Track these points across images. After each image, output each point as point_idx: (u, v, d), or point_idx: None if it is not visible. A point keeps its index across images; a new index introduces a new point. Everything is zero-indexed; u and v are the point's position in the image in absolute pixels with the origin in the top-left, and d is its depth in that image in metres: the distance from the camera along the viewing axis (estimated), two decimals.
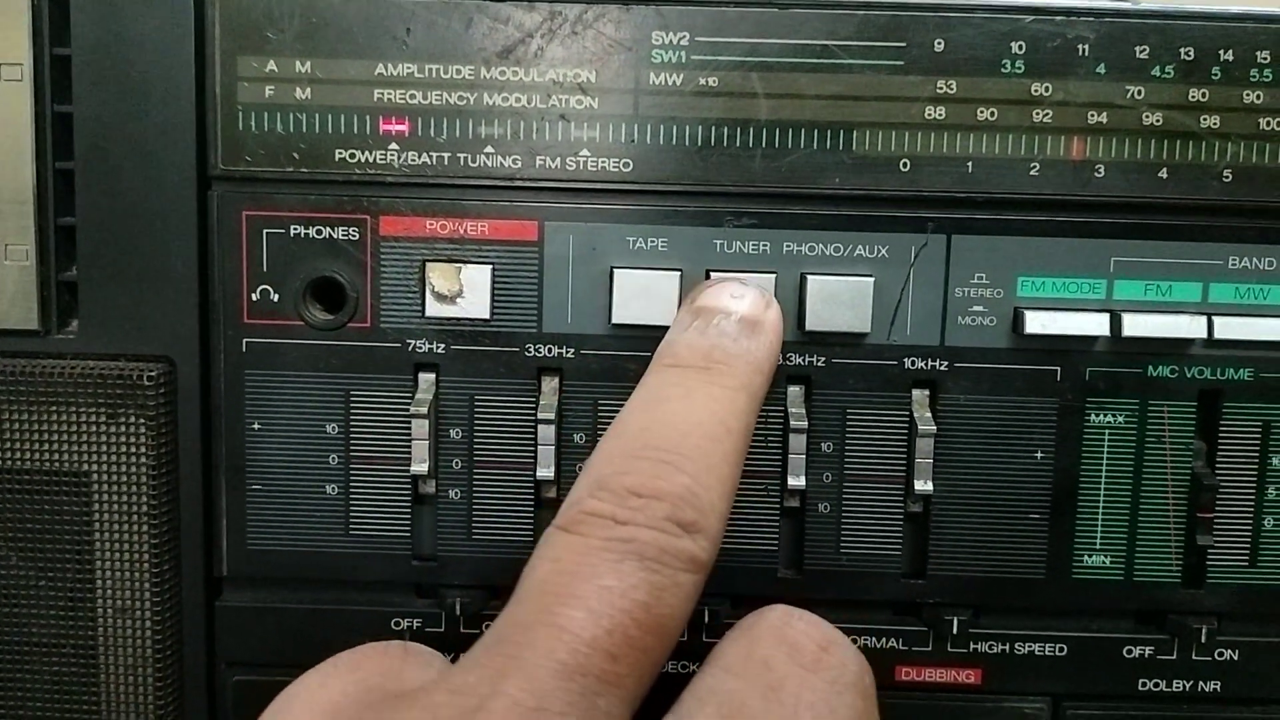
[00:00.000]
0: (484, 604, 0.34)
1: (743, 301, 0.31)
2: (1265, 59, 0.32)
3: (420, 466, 0.33)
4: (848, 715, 0.26)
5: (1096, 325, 0.33)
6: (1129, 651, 0.35)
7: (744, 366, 0.30)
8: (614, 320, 0.33)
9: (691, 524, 0.26)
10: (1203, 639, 0.34)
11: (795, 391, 0.34)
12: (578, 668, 0.24)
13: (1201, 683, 0.35)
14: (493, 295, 0.33)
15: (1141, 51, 0.32)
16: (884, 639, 0.35)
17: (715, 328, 0.31)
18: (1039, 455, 0.34)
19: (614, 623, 0.24)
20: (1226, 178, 0.33)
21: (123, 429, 0.33)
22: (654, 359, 0.31)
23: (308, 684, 0.28)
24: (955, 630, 0.34)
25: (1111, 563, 0.34)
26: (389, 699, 0.26)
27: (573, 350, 0.34)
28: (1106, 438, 0.34)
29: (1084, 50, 0.32)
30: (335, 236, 0.33)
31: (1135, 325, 0.33)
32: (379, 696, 0.27)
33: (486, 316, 0.33)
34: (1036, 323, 0.33)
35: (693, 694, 0.26)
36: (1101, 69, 0.32)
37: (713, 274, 0.33)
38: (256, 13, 0.32)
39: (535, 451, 0.33)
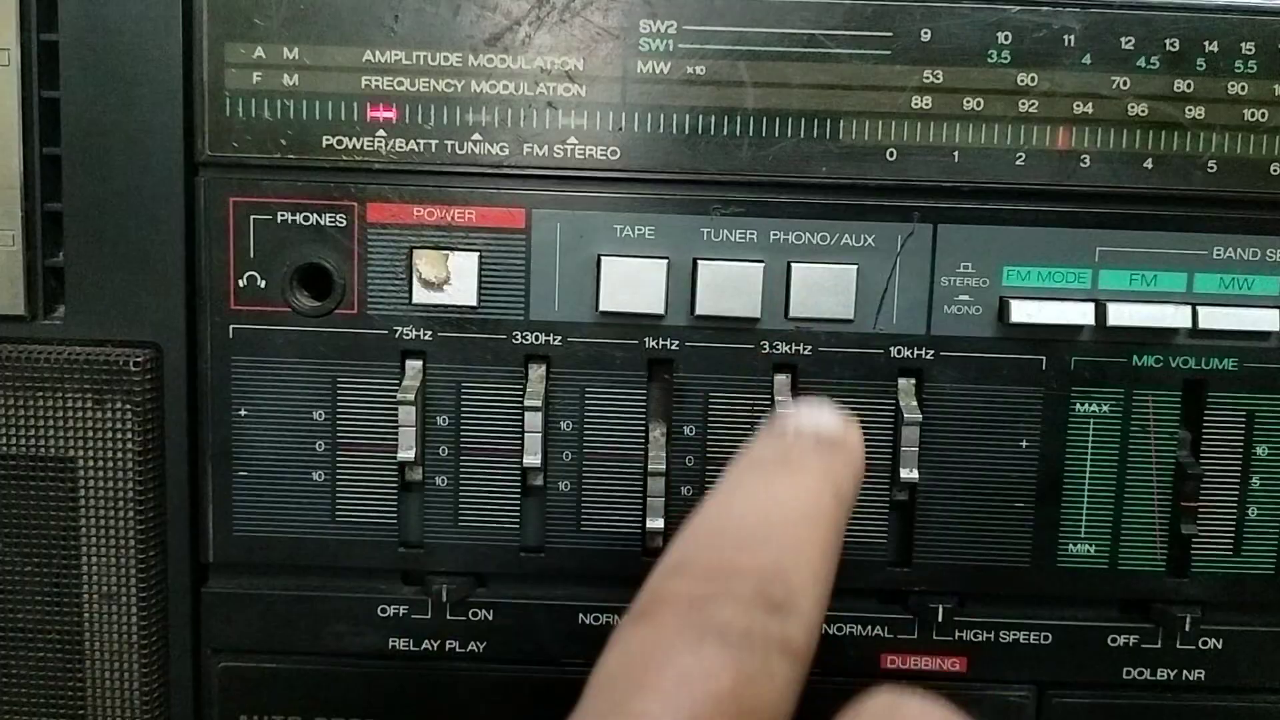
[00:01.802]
0: (470, 590, 0.35)
1: (820, 420, 0.29)
2: (1250, 50, 0.33)
3: (407, 453, 0.33)
4: None
5: (1081, 315, 0.33)
6: (1113, 640, 0.35)
7: (824, 470, 0.27)
8: (601, 308, 0.33)
9: (781, 602, 0.22)
10: (1187, 627, 0.34)
11: (781, 380, 0.34)
12: None
13: (1186, 671, 0.35)
14: (480, 282, 0.33)
15: (1127, 42, 0.32)
16: (869, 627, 0.35)
17: (795, 435, 0.28)
18: (1024, 444, 0.34)
19: (693, 713, 0.21)
20: (1211, 168, 0.33)
21: (109, 415, 0.33)
22: (730, 467, 0.28)
23: None
24: (940, 618, 0.34)
25: (1096, 551, 0.34)
26: None
27: (560, 338, 0.34)
28: (1091, 427, 0.34)
29: (1070, 40, 0.32)
30: (322, 223, 0.33)
31: (1120, 315, 0.33)
32: None
33: (473, 304, 0.33)
34: (1022, 312, 0.33)
35: None
36: (1087, 59, 0.32)
37: (701, 262, 0.33)
38: None
39: (522, 439, 0.33)
